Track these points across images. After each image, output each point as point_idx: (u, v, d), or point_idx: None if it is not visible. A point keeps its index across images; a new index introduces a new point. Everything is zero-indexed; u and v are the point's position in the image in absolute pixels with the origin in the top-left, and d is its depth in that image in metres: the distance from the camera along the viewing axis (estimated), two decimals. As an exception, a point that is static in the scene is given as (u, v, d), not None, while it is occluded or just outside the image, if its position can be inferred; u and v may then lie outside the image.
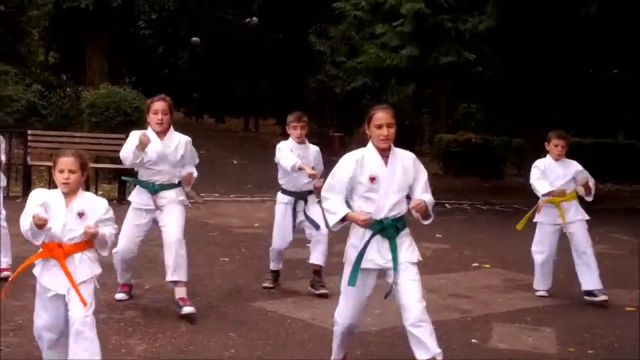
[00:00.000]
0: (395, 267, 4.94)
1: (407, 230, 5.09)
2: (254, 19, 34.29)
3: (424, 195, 5.05)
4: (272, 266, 8.14)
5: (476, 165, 22.67)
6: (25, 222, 4.53)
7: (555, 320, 7.29)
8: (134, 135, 6.80)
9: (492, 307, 7.74)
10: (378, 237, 5.01)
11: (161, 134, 6.91)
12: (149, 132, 6.87)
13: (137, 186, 7.09)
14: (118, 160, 14.51)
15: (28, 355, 5.30)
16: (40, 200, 4.65)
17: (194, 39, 37.78)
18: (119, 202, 13.72)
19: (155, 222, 6.98)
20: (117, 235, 4.86)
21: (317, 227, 7.69)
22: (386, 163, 5.04)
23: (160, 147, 6.84)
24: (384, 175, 5.01)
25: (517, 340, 6.63)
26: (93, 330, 4.62)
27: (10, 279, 4.74)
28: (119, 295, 7.27)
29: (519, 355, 6.20)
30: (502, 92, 18.67)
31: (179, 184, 7.03)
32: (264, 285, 8.04)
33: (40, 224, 4.48)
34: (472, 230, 12.89)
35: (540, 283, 8.18)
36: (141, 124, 16.07)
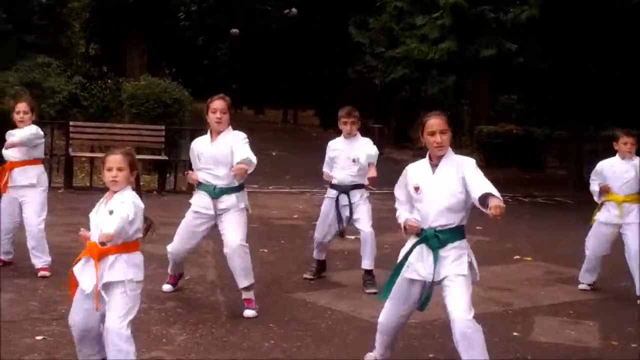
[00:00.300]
0: (441, 279, 4.88)
1: (458, 243, 4.93)
2: (293, 10, 34.32)
3: (483, 186, 4.78)
4: (315, 254, 8.14)
5: (517, 157, 22.42)
6: None
7: (598, 314, 7.19)
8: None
9: (534, 300, 7.66)
10: (424, 247, 4.94)
11: (215, 134, 6.80)
12: (203, 138, 6.87)
13: (198, 189, 6.94)
14: (158, 152, 14.75)
15: (71, 344, 5.34)
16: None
17: (233, 30, 37.92)
18: (159, 193, 13.86)
19: (214, 227, 6.88)
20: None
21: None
22: (434, 172, 4.98)
23: (212, 150, 6.75)
24: (428, 185, 4.95)
25: (559, 333, 6.56)
26: (128, 341, 4.58)
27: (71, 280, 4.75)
28: (166, 287, 7.31)
29: (561, 349, 6.13)
30: (543, 83, 18.41)
31: (240, 188, 6.88)
32: (305, 276, 8.04)
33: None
34: (513, 222, 12.71)
35: (585, 277, 8.07)
36: (181, 116, 16.28)
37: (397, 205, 5.17)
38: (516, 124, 24.01)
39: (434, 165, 4.98)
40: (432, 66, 18.21)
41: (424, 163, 5.06)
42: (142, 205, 4.74)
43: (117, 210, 4.57)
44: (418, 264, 4.95)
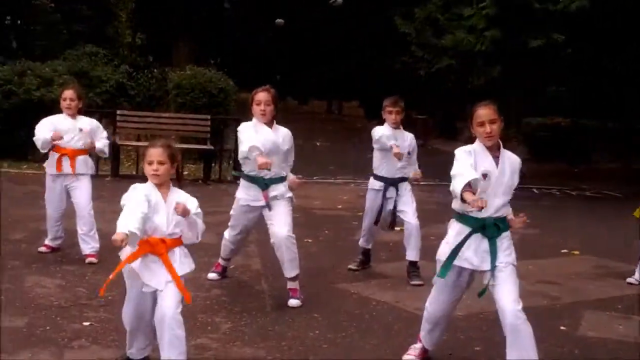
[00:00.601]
0: (493, 268, 4.83)
1: (508, 233, 4.96)
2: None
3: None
4: (362, 242, 8.12)
5: (565, 150, 22.11)
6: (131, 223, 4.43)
7: (648, 309, 7.07)
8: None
9: (582, 295, 7.55)
10: (477, 236, 4.89)
11: (267, 124, 6.78)
12: (255, 123, 6.79)
13: (244, 181, 6.90)
14: (203, 141, 14.83)
15: (117, 330, 5.40)
16: (142, 199, 4.62)
17: (278, 20, 37.97)
18: (204, 182, 13.95)
19: (261, 217, 6.87)
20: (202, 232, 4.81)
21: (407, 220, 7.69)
22: (497, 163, 4.91)
23: (273, 136, 6.74)
24: (495, 175, 4.88)
25: (607, 328, 6.46)
26: (182, 328, 4.60)
27: (110, 277, 4.78)
28: (211, 275, 7.36)
29: (609, 344, 6.04)
30: (592, 74, 18.14)
31: (285, 178, 6.88)
32: (350, 267, 8.02)
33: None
34: (560, 216, 12.59)
35: (638, 272, 7.93)
36: (226, 106, 16.34)
37: (455, 173, 4.82)
38: (564, 117, 23.66)
39: (495, 157, 4.92)
40: (478, 56, 18.02)
41: (483, 152, 4.93)
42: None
43: (198, 215, 4.71)
44: (470, 253, 4.91)
